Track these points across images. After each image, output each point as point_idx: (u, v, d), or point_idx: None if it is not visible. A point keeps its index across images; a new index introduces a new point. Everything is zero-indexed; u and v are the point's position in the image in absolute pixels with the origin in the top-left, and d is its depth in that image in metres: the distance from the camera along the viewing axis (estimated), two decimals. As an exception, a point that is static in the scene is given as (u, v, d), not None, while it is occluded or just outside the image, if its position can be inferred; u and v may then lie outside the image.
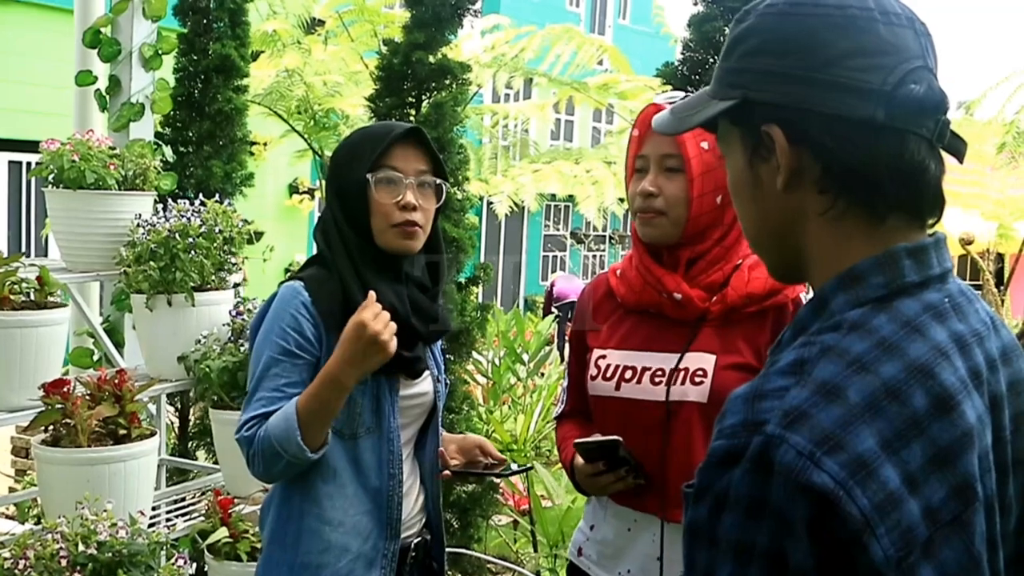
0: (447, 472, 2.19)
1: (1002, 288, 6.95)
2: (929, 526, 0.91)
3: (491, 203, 8.17)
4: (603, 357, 2.08)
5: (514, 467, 2.23)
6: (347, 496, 2.07)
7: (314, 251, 2.19)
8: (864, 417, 0.91)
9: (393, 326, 1.94)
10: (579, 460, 2.03)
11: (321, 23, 7.33)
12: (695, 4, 4.18)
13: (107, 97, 3.62)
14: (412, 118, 4.00)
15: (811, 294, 1.07)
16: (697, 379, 1.95)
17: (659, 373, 1.99)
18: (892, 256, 1.01)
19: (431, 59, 3.96)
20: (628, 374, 2.02)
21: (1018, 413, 1.06)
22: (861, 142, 1.00)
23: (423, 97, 4.03)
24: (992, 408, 1.02)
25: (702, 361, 1.96)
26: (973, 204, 6.02)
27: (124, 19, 3.59)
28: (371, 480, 2.09)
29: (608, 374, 2.05)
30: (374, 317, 1.92)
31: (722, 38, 3.95)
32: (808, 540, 0.88)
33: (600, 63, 9.27)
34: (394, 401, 2.10)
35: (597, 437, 1.99)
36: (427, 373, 2.19)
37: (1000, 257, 9.09)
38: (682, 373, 1.97)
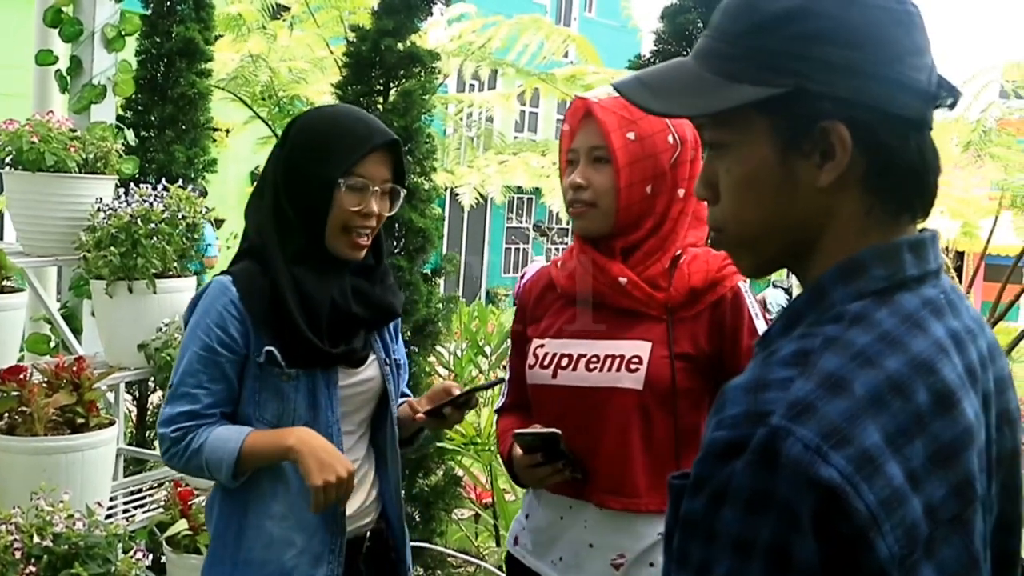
0: (419, 416, 2.14)
1: (963, 285, 7.04)
2: (930, 524, 0.89)
3: (456, 194, 8.12)
4: (541, 346, 2.08)
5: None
6: (290, 490, 2.03)
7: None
8: (869, 411, 0.89)
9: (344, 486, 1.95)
10: (517, 451, 2.03)
11: (286, 9, 7.25)
12: (669, -5, 4.16)
13: (68, 78, 3.54)
14: (380, 106, 3.95)
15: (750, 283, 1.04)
16: (632, 366, 1.96)
17: (594, 360, 2.00)
18: (895, 249, 1.00)
19: (400, 46, 3.92)
20: (564, 361, 2.03)
21: (1001, 411, 1.05)
22: (915, 142, 0.99)
23: (391, 85, 3.98)
24: (984, 406, 1.01)
25: (637, 348, 1.97)
26: (937, 202, 6.03)
27: (87, -1, 3.51)
28: None
29: (545, 362, 2.06)
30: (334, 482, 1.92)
31: (696, 31, 3.93)
32: (814, 535, 0.85)
33: (565, 55, 9.25)
34: (332, 393, 2.06)
35: (537, 429, 1.99)
36: (372, 358, 2.16)
37: (960, 255, 9.20)
38: (617, 360, 1.97)
